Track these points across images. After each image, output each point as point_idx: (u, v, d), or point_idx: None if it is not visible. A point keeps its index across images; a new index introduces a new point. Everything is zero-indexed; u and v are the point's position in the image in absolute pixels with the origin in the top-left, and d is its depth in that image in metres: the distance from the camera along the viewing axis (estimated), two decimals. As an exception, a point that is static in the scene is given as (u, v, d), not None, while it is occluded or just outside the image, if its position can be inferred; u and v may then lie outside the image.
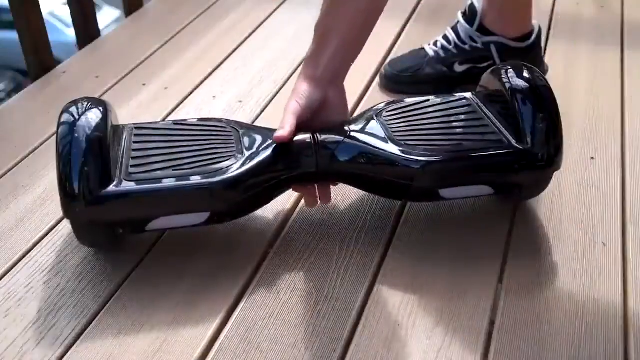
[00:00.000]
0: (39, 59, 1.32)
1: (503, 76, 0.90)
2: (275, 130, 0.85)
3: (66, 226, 0.93)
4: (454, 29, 1.21)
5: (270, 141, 0.85)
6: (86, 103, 0.84)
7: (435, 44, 1.23)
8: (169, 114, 1.19)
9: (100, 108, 0.83)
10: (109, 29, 1.71)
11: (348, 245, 0.90)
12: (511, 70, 0.91)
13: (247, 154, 0.84)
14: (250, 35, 1.46)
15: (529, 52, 1.19)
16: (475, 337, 0.77)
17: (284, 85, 1.27)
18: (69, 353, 0.76)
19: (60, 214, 0.95)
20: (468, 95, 0.95)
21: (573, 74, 1.29)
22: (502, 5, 1.16)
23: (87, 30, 1.44)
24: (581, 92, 1.23)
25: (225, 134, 0.88)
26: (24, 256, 0.88)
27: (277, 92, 1.25)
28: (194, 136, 0.87)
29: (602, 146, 1.08)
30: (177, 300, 0.82)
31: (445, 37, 1.22)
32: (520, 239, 0.90)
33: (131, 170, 0.80)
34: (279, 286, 0.84)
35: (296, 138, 0.85)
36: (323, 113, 0.89)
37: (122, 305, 0.81)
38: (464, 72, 1.21)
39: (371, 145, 0.85)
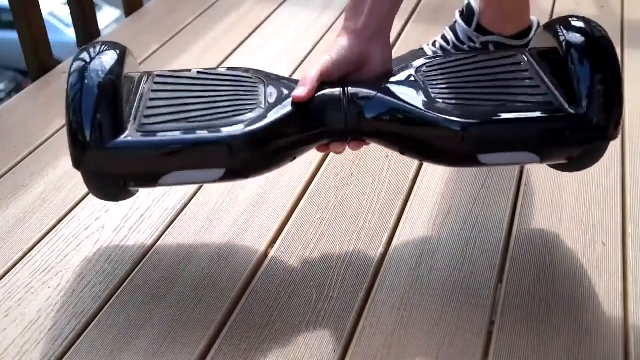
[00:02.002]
0: (39, 59, 1.32)
1: (558, 30, 0.81)
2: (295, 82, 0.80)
3: (66, 226, 0.93)
4: (452, 29, 1.21)
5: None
6: (101, 46, 0.78)
7: (434, 44, 1.23)
8: (169, 114, 1.19)
9: (117, 51, 0.77)
10: (109, 29, 1.71)
11: (348, 245, 0.90)
12: (567, 23, 0.81)
13: (270, 107, 0.77)
14: (250, 35, 1.46)
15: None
16: (475, 337, 0.77)
17: (283, 85, 1.27)
18: (69, 353, 0.76)
19: (60, 213, 0.95)
20: (521, 54, 0.86)
21: (573, 74, 1.29)
22: (500, 3, 1.16)
23: (87, 30, 1.44)
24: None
25: (250, 84, 0.81)
26: (24, 256, 0.89)
27: (277, 92, 1.25)
28: (216, 86, 0.81)
29: (602, 146, 1.08)
30: (176, 300, 0.82)
31: (444, 38, 1.22)
32: (520, 239, 0.90)
33: (144, 120, 0.75)
34: (279, 286, 0.84)
35: (324, 92, 0.78)
36: (365, 69, 0.82)
37: (122, 305, 0.81)
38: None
39: (405, 102, 0.77)
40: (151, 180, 0.77)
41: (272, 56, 1.37)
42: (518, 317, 0.79)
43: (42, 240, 0.91)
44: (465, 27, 1.18)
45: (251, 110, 0.77)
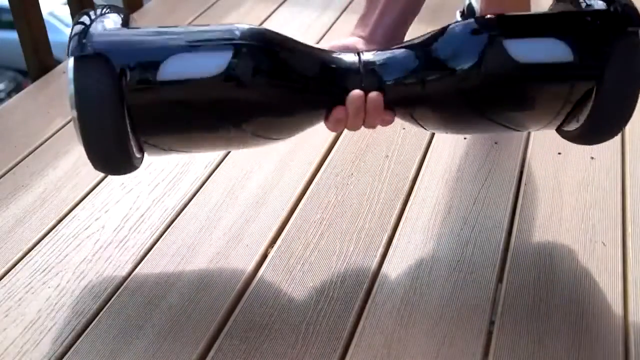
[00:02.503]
0: (39, 59, 1.32)
1: None
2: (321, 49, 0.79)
3: (66, 226, 0.93)
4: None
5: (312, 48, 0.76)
6: (102, 9, 0.74)
7: (435, 44, 1.23)
8: (169, 114, 1.19)
9: (120, 15, 0.74)
10: (109, 29, 1.71)
11: (348, 245, 0.90)
12: None
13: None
14: (250, 35, 1.46)
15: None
16: (475, 337, 0.77)
17: (284, 85, 1.27)
18: (69, 353, 0.76)
19: (60, 213, 0.95)
20: None
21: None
22: (501, 4, 1.16)
23: (87, 30, 1.44)
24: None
25: None
26: (24, 256, 0.88)
27: (277, 92, 1.25)
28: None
29: (602, 146, 1.08)
30: (176, 300, 0.82)
31: (445, 37, 1.22)
32: (520, 239, 0.90)
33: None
34: (279, 286, 0.84)
35: (338, 54, 0.76)
36: None
37: (122, 305, 0.81)
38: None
39: (425, 42, 0.75)
40: (152, 67, 0.69)
41: (272, 56, 1.37)
42: (518, 317, 0.79)
43: (42, 240, 0.91)
44: (465, 27, 1.18)
45: None
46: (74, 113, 0.70)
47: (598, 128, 0.78)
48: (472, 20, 0.75)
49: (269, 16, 1.54)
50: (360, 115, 0.74)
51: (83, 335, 0.77)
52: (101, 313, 0.80)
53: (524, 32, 0.73)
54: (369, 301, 0.82)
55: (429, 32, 0.77)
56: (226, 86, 0.70)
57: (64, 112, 1.19)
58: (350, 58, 0.75)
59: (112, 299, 0.82)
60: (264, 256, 0.88)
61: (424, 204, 0.97)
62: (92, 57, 0.68)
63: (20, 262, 0.87)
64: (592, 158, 1.05)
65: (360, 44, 0.81)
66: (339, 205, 0.97)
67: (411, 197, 0.98)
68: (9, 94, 7.49)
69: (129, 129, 0.71)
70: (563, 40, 0.72)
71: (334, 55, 0.76)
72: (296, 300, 0.82)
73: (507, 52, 0.71)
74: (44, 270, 0.86)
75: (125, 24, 0.73)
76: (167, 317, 0.80)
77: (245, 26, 0.71)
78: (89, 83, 0.69)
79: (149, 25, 0.75)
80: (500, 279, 0.85)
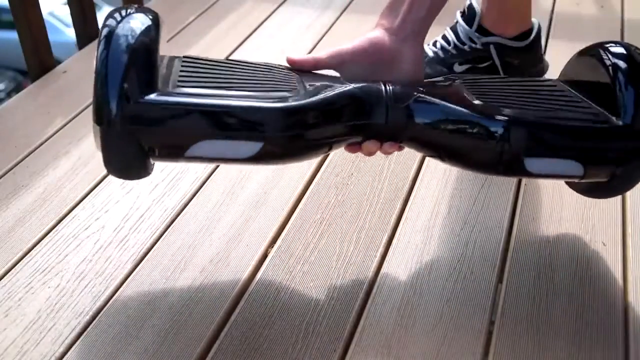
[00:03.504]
0: (39, 59, 1.32)
1: (602, 55, 0.80)
2: (334, 77, 0.78)
3: (66, 226, 0.93)
4: (453, 30, 1.21)
5: (336, 84, 0.75)
6: (134, 9, 0.73)
7: (434, 44, 1.23)
8: (169, 114, 1.19)
9: (151, 15, 0.73)
10: (109, 29, 1.71)
11: (348, 245, 0.90)
12: (608, 48, 0.80)
13: (309, 92, 0.73)
14: (250, 35, 1.46)
15: (528, 51, 1.19)
16: (475, 337, 0.77)
17: (284, 85, 1.27)
18: (69, 353, 0.76)
19: (60, 213, 0.95)
20: (554, 80, 0.86)
21: (573, 74, 1.29)
22: (502, 5, 1.16)
23: (87, 30, 1.44)
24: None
25: (285, 73, 0.77)
26: (24, 256, 0.88)
27: (277, 92, 1.25)
28: (250, 70, 0.76)
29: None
30: (176, 300, 0.82)
31: (445, 38, 1.22)
32: (520, 239, 0.90)
33: (179, 83, 0.70)
34: (279, 286, 0.84)
35: (368, 84, 0.75)
36: (395, 69, 0.79)
37: (122, 305, 0.81)
38: (464, 73, 1.21)
39: (450, 103, 0.75)
40: (179, 148, 0.70)
41: (272, 56, 1.37)
42: (518, 317, 0.79)
43: (42, 240, 0.91)
44: (466, 27, 1.18)
45: (290, 90, 0.73)
46: (97, 146, 0.70)
47: (606, 193, 0.85)
48: (502, 121, 0.74)
49: (269, 16, 1.54)
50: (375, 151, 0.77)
51: (83, 335, 0.77)
52: (101, 313, 0.80)
53: (546, 151, 0.76)
54: (369, 301, 0.82)
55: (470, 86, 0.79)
56: (252, 161, 0.72)
57: (64, 112, 1.19)
58: (376, 90, 0.75)
59: (112, 299, 0.82)
60: (264, 256, 0.88)
61: (424, 204, 0.97)
62: (121, 132, 0.69)
63: (20, 262, 0.87)
64: (592, 158, 1.05)
65: (386, 38, 0.78)
66: (339, 205, 0.97)
67: (411, 197, 0.98)
68: (9, 94, 7.50)
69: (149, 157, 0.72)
70: (580, 162, 0.76)
71: (360, 91, 0.75)
72: (296, 300, 0.82)
73: (524, 167, 0.75)
74: (44, 270, 0.86)
75: (156, 22, 0.73)
76: (167, 317, 0.80)
77: (282, 105, 0.70)
78: (115, 151, 0.70)
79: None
80: (500, 279, 0.85)
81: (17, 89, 7.52)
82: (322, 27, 1.48)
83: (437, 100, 0.75)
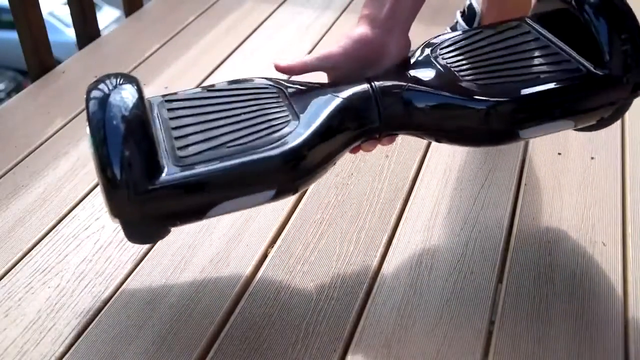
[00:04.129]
0: (39, 59, 1.32)
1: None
2: (319, 84, 0.78)
3: (66, 226, 0.93)
4: (453, 30, 1.21)
5: (323, 99, 0.75)
6: (116, 79, 0.71)
7: (435, 44, 1.23)
8: (169, 114, 1.19)
9: (132, 83, 0.72)
10: (109, 29, 1.71)
11: (348, 245, 0.90)
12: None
13: (302, 117, 0.73)
14: (250, 35, 1.46)
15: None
16: (475, 337, 0.77)
17: (284, 85, 1.27)
18: (69, 353, 0.76)
19: (60, 213, 0.95)
20: (522, 22, 0.86)
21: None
22: (501, 5, 1.16)
23: (87, 30, 1.44)
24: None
25: (271, 95, 0.78)
26: (24, 256, 0.89)
27: (277, 92, 1.25)
28: (237, 102, 0.76)
29: (602, 146, 1.08)
30: (176, 300, 0.82)
31: (445, 37, 1.22)
32: (520, 239, 0.90)
33: (179, 153, 0.69)
34: (279, 286, 0.84)
35: (353, 89, 0.75)
36: (383, 61, 0.78)
37: (122, 305, 0.81)
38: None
39: (438, 90, 0.76)
40: (198, 215, 0.72)
41: (272, 56, 1.37)
42: (518, 317, 0.79)
43: (42, 240, 0.91)
44: (466, 27, 1.18)
45: (285, 123, 0.73)
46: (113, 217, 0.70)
47: (595, 129, 0.87)
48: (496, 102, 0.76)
49: (269, 16, 1.54)
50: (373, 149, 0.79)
51: (83, 335, 0.77)
52: (101, 313, 0.80)
53: (536, 120, 0.77)
54: (369, 301, 0.82)
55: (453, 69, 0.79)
56: (271, 202, 0.73)
57: (64, 112, 1.19)
58: (364, 96, 0.75)
59: (112, 299, 0.82)
60: (264, 256, 0.88)
61: (424, 204, 0.97)
62: (140, 221, 0.70)
63: (20, 262, 0.87)
64: (592, 158, 1.05)
65: (372, 34, 0.77)
66: (339, 205, 0.97)
67: (411, 197, 0.98)
68: (9, 94, 7.50)
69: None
70: (569, 119, 0.79)
71: (349, 100, 0.75)
72: (296, 301, 0.82)
73: (519, 136, 0.78)
74: (44, 270, 0.86)
75: (140, 91, 0.71)
76: (167, 317, 0.80)
77: (285, 149, 0.70)
78: (137, 234, 0.72)
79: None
80: (500, 279, 0.85)
81: (17, 89, 7.52)
82: (322, 27, 1.48)
83: (425, 89, 0.76)
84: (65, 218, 0.95)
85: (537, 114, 0.77)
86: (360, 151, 0.79)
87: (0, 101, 6.85)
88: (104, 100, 0.68)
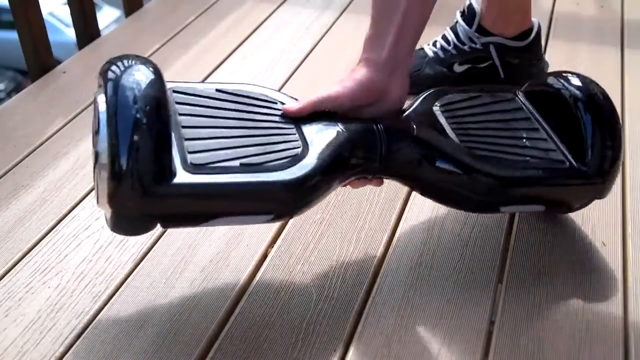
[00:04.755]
0: (39, 59, 1.32)
1: (561, 85, 0.87)
2: (327, 113, 0.78)
3: (66, 226, 0.93)
4: (453, 30, 1.21)
5: (333, 132, 0.76)
6: (132, 60, 0.69)
7: (434, 44, 1.23)
8: (169, 114, 1.19)
9: (151, 68, 0.69)
10: (109, 29, 1.71)
11: (348, 245, 0.90)
12: (566, 78, 0.87)
13: (312, 146, 0.74)
14: (250, 35, 1.46)
15: (528, 50, 1.19)
16: (475, 337, 0.77)
17: (284, 85, 1.27)
18: (69, 353, 0.76)
19: (60, 213, 0.95)
20: (517, 94, 0.91)
21: (573, 74, 1.29)
22: (502, 5, 1.16)
23: (87, 30, 1.44)
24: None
25: (280, 115, 0.78)
26: (24, 256, 0.88)
27: (277, 92, 1.25)
28: (250, 113, 0.77)
29: (602, 146, 1.08)
30: (176, 300, 0.82)
31: (444, 38, 1.22)
32: (521, 239, 0.90)
33: (191, 157, 0.68)
34: (279, 286, 0.84)
35: (360, 126, 0.77)
36: (383, 103, 0.80)
37: (122, 305, 0.81)
38: (464, 73, 1.21)
39: (439, 149, 0.79)
40: (197, 223, 0.72)
41: (272, 56, 1.37)
42: (518, 317, 0.79)
43: (42, 240, 0.91)
44: (466, 27, 1.18)
45: (295, 149, 0.74)
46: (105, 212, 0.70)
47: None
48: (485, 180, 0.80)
49: (269, 16, 1.54)
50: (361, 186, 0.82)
51: (83, 335, 0.77)
52: (101, 313, 0.80)
53: (517, 202, 0.84)
54: (369, 301, 0.82)
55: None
56: (267, 221, 0.74)
57: (64, 112, 1.19)
58: (370, 136, 0.78)
59: (112, 299, 0.82)
60: (264, 256, 0.88)
61: (424, 204, 0.96)
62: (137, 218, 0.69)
63: (20, 262, 0.87)
64: (592, 158, 1.05)
65: (374, 76, 0.79)
66: (339, 205, 0.96)
67: (411, 197, 0.98)
68: (9, 94, 7.49)
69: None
70: (543, 205, 0.85)
71: (355, 137, 0.77)
72: (296, 301, 0.82)
73: (498, 210, 0.84)
74: (44, 270, 0.86)
75: (160, 78, 0.69)
76: (167, 317, 0.80)
77: (290, 178, 0.71)
78: (125, 227, 0.71)
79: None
80: (500, 279, 0.85)
81: (17, 89, 7.52)
82: (322, 27, 1.48)
83: (429, 147, 0.79)
84: (65, 218, 0.95)
85: (522, 198, 0.83)
86: None
87: (0, 101, 6.85)
88: (120, 84, 0.65)
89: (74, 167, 1.05)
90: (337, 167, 0.75)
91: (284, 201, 0.72)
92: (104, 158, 0.64)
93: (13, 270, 0.86)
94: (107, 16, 7.93)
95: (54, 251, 0.89)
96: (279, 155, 0.72)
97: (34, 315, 0.80)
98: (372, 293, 0.83)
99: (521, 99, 0.91)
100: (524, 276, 0.85)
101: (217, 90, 0.78)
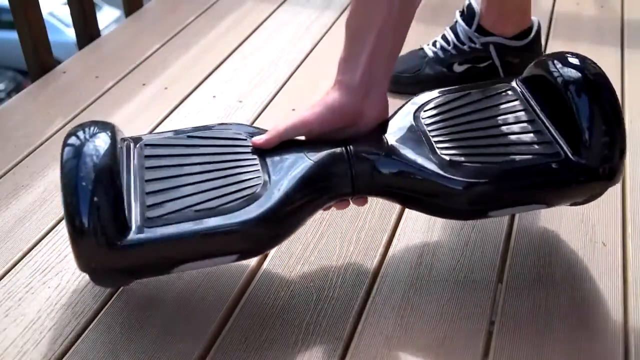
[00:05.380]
0: (39, 59, 1.32)
1: (552, 67, 0.79)
2: (296, 141, 0.78)
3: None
4: (453, 30, 1.21)
5: (297, 162, 0.76)
6: (90, 129, 0.74)
7: (434, 44, 1.23)
8: (169, 114, 1.19)
9: (108, 133, 0.74)
10: (109, 29, 1.71)
11: (348, 245, 0.90)
12: (563, 59, 0.79)
13: (273, 179, 0.74)
14: (250, 35, 1.46)
15: (528, 49, 1.19)
16: (475, 337, 0.77)
17: (284, 85, 1.27)
18: (69, 353, 0.76)
19: (60, 213, 0.95)
20: (514, 84, 0.84)
21: (573, 74, 1.29)
22: (502, 5, 1.16)
23: (87, 30, 1.44)
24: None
25: (247, 150, 0.78)
26: (24, 256, 0.89)
27: (278, 92, 1.25)
28: (212, 155, 0.78)
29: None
30: (177, 300, 0.82)
31: (444, 38, 1.22)
32: (521, 239, 0.90)
33: (148, 212, 0.71)
34: (279, 286, 0.84)
35: (328, 153, 0.76)
36: (360, 124, 0.78)
37: (122, 305, 0.81)
38: (464, 72, 1.21)
39: (412, 163, 0.76)
40: (161, 272, 0.77)
41: (272, 56, 1.37)
42: (518, 317, 0.79)
43: (42, 240, 0.91)
44: (465, 27, 1.18)
45: (254, 187, 0.74)
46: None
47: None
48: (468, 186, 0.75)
49: (269, 16, 1.54)
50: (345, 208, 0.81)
51: (83, 335, 0.77)
52: (101, 313, 0.80)
53: (506, 205, 0.78)
54: (369, 301, 0.82)
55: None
56: (234, 260, 0.75)
57: (64, 112, 1.19)
58: (339, 162, 0.76)
59: (112, 299, 0.82)
60: (264, 256, 0.88)
61: (424, 204, 0.96)
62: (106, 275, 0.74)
63: (20, 262, 0.87)
64: (592, 158, 1.05)
65: (347, 100, 0.76)
66: (339, 205, 0.96)
67: (411, 197, 0.98)
68: (9, 94, 7.49)
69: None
70: (541, 204, 0.80)
71: (323, 166, 0.76)
72: (296, 300, 0.82)
73: (488, 216, 0.82)
74: (44, 270, 0.86)
75: (114, 139, 0.74)
76: (167, 317, 0.80)
77: (250, 217, 0.71)
78: (103, 281, 0.77)
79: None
80: (500, 279, 0.85)
81: (17, 89, 7.52)
82: (322, 27, 1.48)
83: (400, 162, 0.76)
84: (65, 218, 0.95)
85: (509, 201, 0.77)
86: None
87: (0, 101, 6.85)
88: (78, 150, 0.70)
89: (74, 167, 1.05)
90: (303, 198, 0.75)
91: (241, 241, 0.72)
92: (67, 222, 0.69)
93: (13, 270, 0.86)
94: (107, 16, 7.93)
95: (54, 251, 0.89)
96: (235, 196, 0.73)
97: (34, 315, 0.80)
98: (372, 293, 0.83)
99: (519, 88, 0.84)
100: (524, 276, 0.85)
101: (188, 136, 0.80)
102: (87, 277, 0.84)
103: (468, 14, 1.18)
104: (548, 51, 1.35)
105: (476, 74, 1.21)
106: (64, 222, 0.93)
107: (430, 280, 0.84)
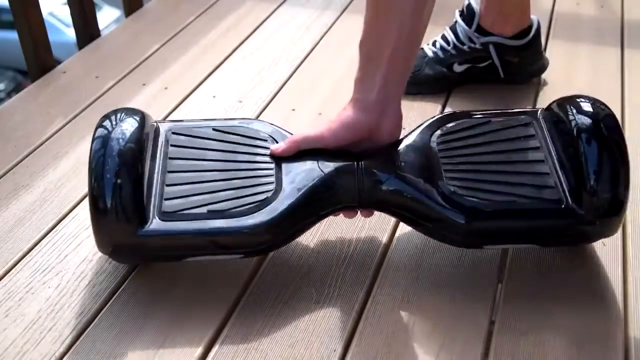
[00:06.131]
0: (39, 59, 1.32)
1: (568, 111, 0.81)
2: (317, 152, 0.82)
3: (66, 226, 0.93)
4: (453, 30, 1.21)
5: (309, 172, 0.80)
6: (120, 114, 0.81)
7: (434, 44, 1.23)
8: (169, 114, 1.19)
9: (136, 119, 0.81)
10: (109, 29, 1.71)
11: (348, 245, 0.90)
12: (578, 105, 0.82)
13: (285, 186, 0.79)
14: (250, 35, 1.46)
15: (528, 48, 1.19)
16: (475, 337, 0.77)
17: (284, 85, 1.27)
18: (69, 353, 0.76)
19: (60, 213, 0.95)
20: (538, 115, 0.86)
21: (573, 74, 1.29)
22: (501, 5, 1.16)
23: (87, 30, 1.44)
24: (581, 92, 1.22)
25: (265, 154, 0.83)
26: (24, 256, 0.89)
27: (278, 92, 1.25)
28: (233, 153, 0.83)
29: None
30: (177, 300, 0.82)
31: (444, 38, 1.22)
32: (520, 239, 0.90)
33: (165, 204, 0.77)
34: (279, 286, 0.84)
35: (339, 167, 0.80)
36: (374, 139, 0.82)
37: (123, 305, 0.81)
38: (463, 72, 1.21)
39: (417, 187, 0.79)
40: (172, 260, 0.83)
41: (272, 56, 1.37)
42: (518, 317, 0.79)
43: (42, 240, 0.91)
44: (465, 27, 1.18)
45: (266, 192, 0.78)
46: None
47: None
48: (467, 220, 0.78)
49: (269, 16, 1.54)
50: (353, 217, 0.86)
51: (83, 335, 0.77)
52: (101, 313, 0.80)
53: (499, 240, 0.81)
54: (369, 301, 0.82)
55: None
56: (238, 258, 0.83)
57: (64, 112, 1.19)
58: (348, 176, 0.80)
59: (112, 298, 0.82)
60: (265, 255, 0.88)
61: (424, 204, 0.96)
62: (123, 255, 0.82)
63: (20, 262, 0.87)
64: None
65: (362, 118, 0.80)
66: (339, 205, 0.96)
67: (411, 197, 0.98)
68: (9, 94, 7.49)
69: None
70: (535, 244, 0.83)
71: (332, 178, 0.80)
72: (296, 300, 0.82)
73: (483, 248, 0.85)
74: (44, 270, 0.86)
75: (142, 127, 0.80)
76: (168, 316, 0.80)
77: (257, 222, 0.76)
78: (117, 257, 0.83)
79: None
80: (500, 279, 0.85)
81: (17, 89, 7.52)
82: (322, 27, 1.48)
83: (407, 187, 0.79)
84: (65, 218, 0.95)
85: (504, 239, 0.81)
86: None
87: (0, 101, 6.85)
88: (106, 134, 0.77)
89: (74, 167, 1.05)
90: (310, 207, 0.79)
91: (247, 243, 0.78)
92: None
93: (13, 270, 0.86)
94: (107, 16, 7.93)
95: (54, 251, 0.89)
96: (247, 200, 0.78)
97: (34, 315, 0.80)
98: (372, 293, 0.83)
99: (541, 121, 0.85)
100: (524, 276, 0.85)
101: (214, 129, 0.85)
102: (87, 277, 0.85)
103: (468, 14, 1.18)
104: (548, 52, 1.35)
105: (476, 73, 1.21)
106: (64, 222, 0.94)
107: (430, 279, 0.84)
